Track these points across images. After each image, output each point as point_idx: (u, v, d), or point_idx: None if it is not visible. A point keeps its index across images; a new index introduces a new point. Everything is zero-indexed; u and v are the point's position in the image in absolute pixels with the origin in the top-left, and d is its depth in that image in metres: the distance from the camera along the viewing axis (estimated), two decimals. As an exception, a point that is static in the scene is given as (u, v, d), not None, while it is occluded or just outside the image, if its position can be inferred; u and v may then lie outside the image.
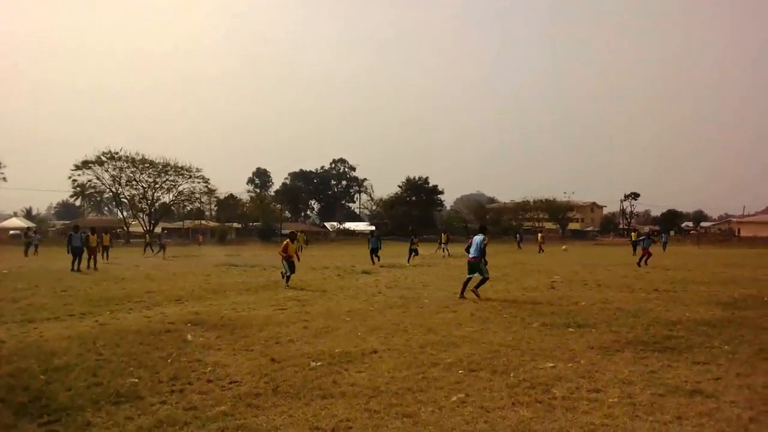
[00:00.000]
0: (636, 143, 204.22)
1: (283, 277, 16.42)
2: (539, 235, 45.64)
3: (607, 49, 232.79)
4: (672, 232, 54.34)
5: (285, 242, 16.89)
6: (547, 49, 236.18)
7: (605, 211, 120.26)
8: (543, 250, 40.98)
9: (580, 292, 14.42)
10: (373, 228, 71.19)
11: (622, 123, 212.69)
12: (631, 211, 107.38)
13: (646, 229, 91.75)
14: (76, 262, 22.13)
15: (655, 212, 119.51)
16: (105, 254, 29.65)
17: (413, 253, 28.91)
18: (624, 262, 27.15)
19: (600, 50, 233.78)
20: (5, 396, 5.48)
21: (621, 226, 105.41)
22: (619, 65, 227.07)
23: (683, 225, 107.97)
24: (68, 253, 22.72)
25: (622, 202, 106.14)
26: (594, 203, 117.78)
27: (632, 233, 38.40)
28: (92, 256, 23.67)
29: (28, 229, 25.89)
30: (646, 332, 8.70)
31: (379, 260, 26.69)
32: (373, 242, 27.86)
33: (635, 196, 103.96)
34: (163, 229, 40.08)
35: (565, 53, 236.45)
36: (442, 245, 36.11)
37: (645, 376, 6.16)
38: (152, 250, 36.36)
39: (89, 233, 24.66)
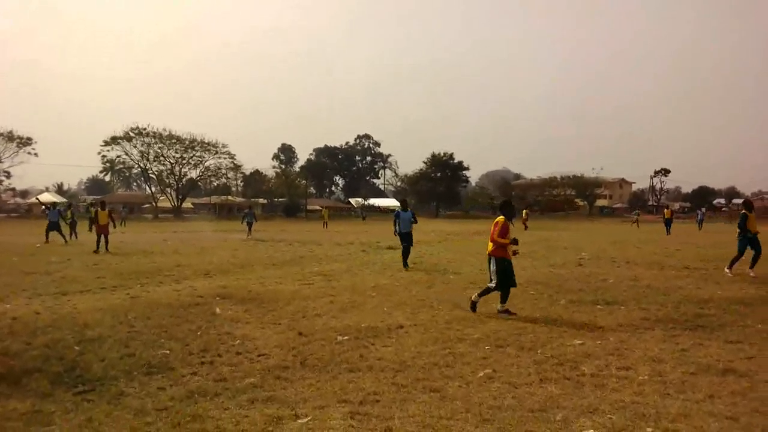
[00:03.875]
0: (667, 118, 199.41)
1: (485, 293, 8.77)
2: (524, 211, 44.66)
3: (636, 26, 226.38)
4: (704, 209, 52.91)
5: (498, 220, 8.77)
6: (574, 25, 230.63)
7: (634, 187, 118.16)
8: (527, 227, 40.12)
9: (609, 269, 14.24)
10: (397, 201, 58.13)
11: (652, 98, 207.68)
12: (661, 188, 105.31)
13: (677, 206, 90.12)
14: (50, 236, 23.63)
15: (686, 189, 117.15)
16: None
17: None
18: (653, 240, 26.72)
19: (628, 28, 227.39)
20: (42, 366, 5.64)
21: (650, 203, 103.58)
22: (647, 41, 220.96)
23: (715, 202, 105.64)
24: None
25: (651, 178, 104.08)
26: (623, 179, 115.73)
27: (665, 210, 37.27)
28: (103, 235, 19.70)
29: (91, 204, 25.91)
30: (677, 310, 8.56)
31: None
32: (405, 222, 15.41)
33: (665, 172, 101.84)
34: (250, 206, 35.01)
35: (594, 26, 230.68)
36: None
37: (676, 354, 6.07)
38: (249, 233, 29.87)
39: (98, 208, 20.92)
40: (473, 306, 8.63)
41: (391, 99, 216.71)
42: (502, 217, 8.90)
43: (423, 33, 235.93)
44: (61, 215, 25.28)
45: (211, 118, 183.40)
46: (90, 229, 28.97)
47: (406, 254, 15.06)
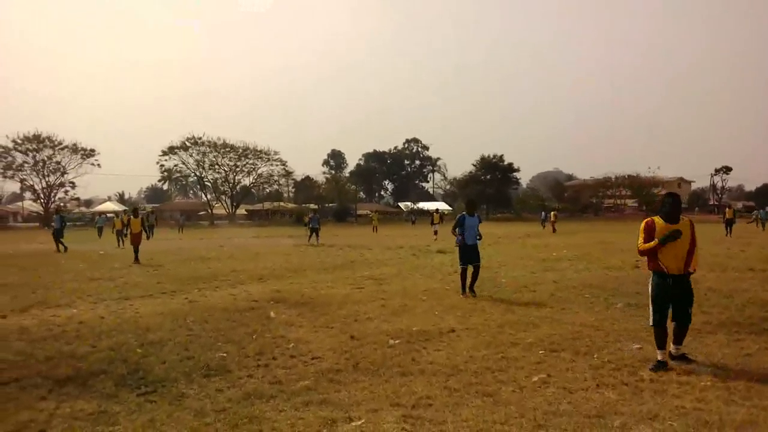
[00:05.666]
0: (728, 113, 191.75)
1: None
2: (552, 213, 42.97)
3: (693, 21, 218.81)
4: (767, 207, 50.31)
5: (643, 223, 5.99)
6: (622, 21, 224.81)
7: (693, 186, 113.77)
8: (556, 230, 38.89)
9: (667, 271, 13.74)
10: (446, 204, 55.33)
11: (710, 92, 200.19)
12: (723, 187, 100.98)
13: (740, 205, 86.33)
14: (60, 244, 23.40)
15: (749, 187, 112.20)
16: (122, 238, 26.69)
17: None
18: (714, 240, 25.68)
19: (683, 22, 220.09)
20: (107, 368, 5.89)
21: (711, 203, 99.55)
22: (709, 37, 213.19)
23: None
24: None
25: (712, 176, 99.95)
26: (681, 178, 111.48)
27: (726, 210, 35.43)
28: (134, 244, 18.73)
29: (124, 211, 26.58)
30: (741, 313, 8.22)
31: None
32: (471, 231, 10.70)
33: (727, 170, 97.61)
34: (314, 211, 32.04)
35: (644, 23, 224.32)
36: (434, 225, 32.33)
37: (740, 359, 5.85)
38: (315, 237, 27.94)
39: (131, 216, 19.71)
40: (662, 365, 5.61)
41: (439, 101, 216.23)
42: (649, 218, 5.94)
43: (466, 34, 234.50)
44: (64, 222, 25.48)
45: (263, 127, 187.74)
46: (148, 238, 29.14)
47: (473, 277, 10.68)
